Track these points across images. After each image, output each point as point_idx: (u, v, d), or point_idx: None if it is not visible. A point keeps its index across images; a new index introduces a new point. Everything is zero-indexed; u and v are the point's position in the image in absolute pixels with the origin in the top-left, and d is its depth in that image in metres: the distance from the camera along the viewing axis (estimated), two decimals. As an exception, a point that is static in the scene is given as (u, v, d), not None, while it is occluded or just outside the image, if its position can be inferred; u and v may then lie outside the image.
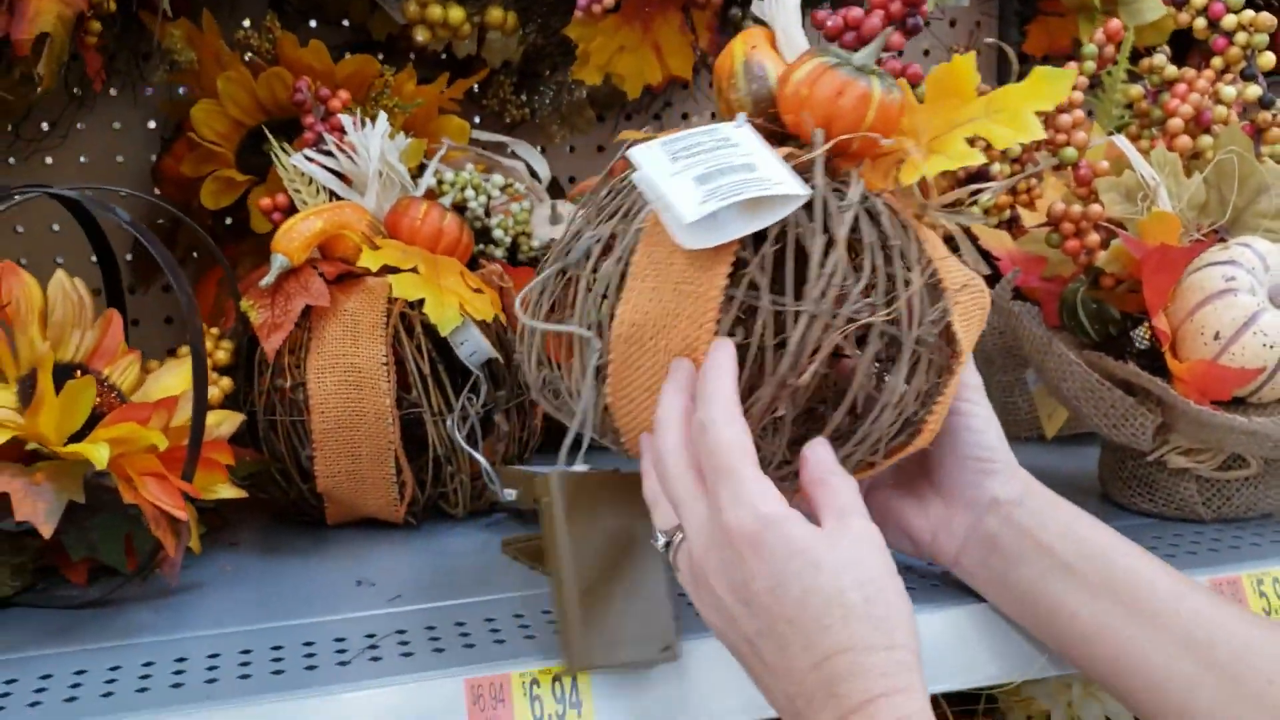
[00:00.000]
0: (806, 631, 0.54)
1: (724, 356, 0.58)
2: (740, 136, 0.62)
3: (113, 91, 1.21)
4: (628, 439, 0.64)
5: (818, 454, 0.59)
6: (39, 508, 0.64)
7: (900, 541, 0.72)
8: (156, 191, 1.19)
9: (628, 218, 0.63)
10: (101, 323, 0.78)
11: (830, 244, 0.59)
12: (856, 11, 0.68)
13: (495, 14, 1.06)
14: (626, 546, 0.65)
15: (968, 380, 0.68)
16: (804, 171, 0.61)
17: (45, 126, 1.19)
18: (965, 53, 1.11)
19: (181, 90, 1.19)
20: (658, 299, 0.60)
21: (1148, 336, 0.87)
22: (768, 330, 0.59)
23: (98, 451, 0.65)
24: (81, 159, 1.22)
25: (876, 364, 0.63)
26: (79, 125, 1.21)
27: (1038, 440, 1.10)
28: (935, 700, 0.95)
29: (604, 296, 0.62)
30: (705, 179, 0.58)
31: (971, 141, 0.64)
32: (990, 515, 0.68)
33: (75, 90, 1.18)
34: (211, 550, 0.84)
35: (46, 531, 0.64)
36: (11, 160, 1.19)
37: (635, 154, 0.61)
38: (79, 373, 0.74)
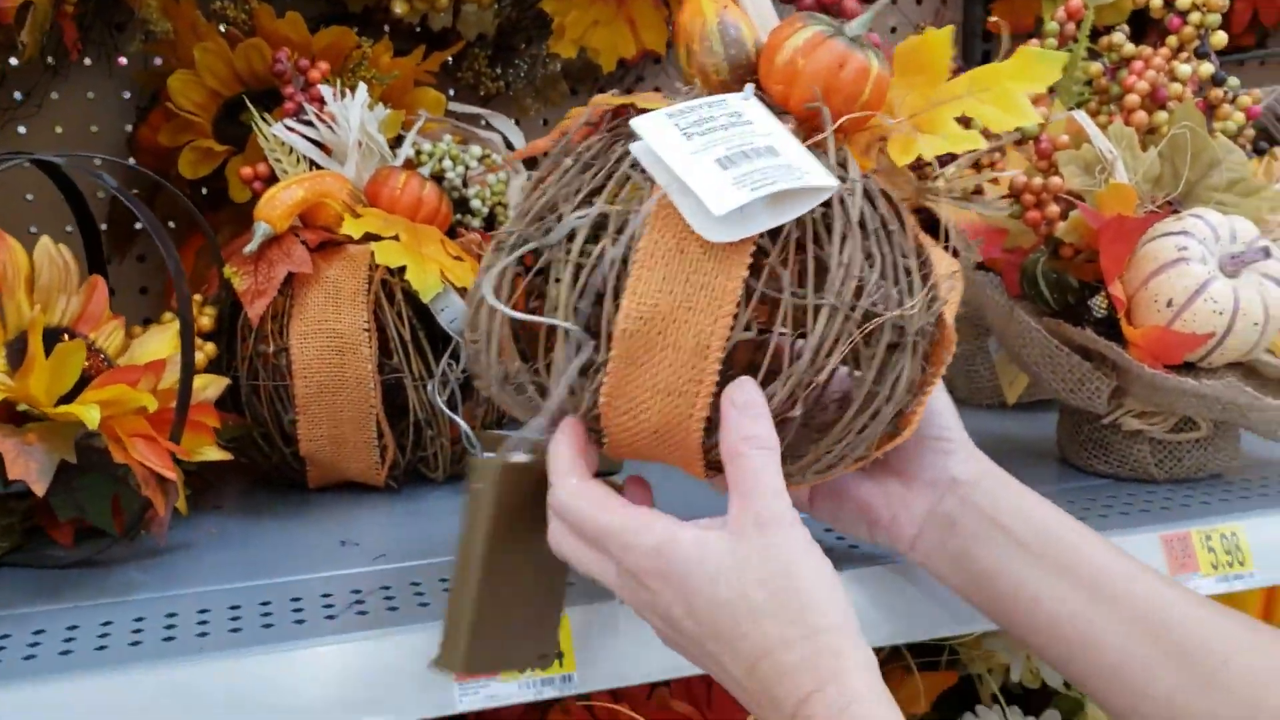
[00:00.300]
0: (728, 643, 0.54)
1: (560, 437, 0.59)
2: (752, 112, 0.59)
3: (87, 61, 1.21)
4: (613, 443, 0.60)
5: (734, 415, 0.56)
6: (31, 467, 0.66)
7: (857, 526, 0.70)
8: (132, 160, 1.19)
9: (623, 197, 0.58)
10: (86, 288, 0.79)
11: (847, 232, 0.57)
12: None
13: (470, -16, 1.08)
14: (539, 547, 0.61)
15: None
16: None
17: (18, 96, 1.20)
18: (927, 28, 1.14)
19: (157, 60, 1.20)
20: (668, 291, 0.55)
21: (1105, 305, 0.90)
22: (788, 325, 0.57)
23: (89, 412, 0.67)
24: (57, 129, 1.22)
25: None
26: (53, 95, 1.21)
27: (999, 407, 1.13)
28: (899, 652, 0.98)
29: (596, 288, 0.57)
30: (729, 163, 0.55)
31: (963, 122, 0.63)
32: (949, 495, 0.66)
33: (50, 60, 1.18)
34: (196, 513, 0.85)
35: (40, 490, 0.66)
36: (-16, 133, 1.19)
37: (643, 127, 0.56)
38: (66, 336, 0.75)
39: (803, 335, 0.57)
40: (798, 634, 0.52)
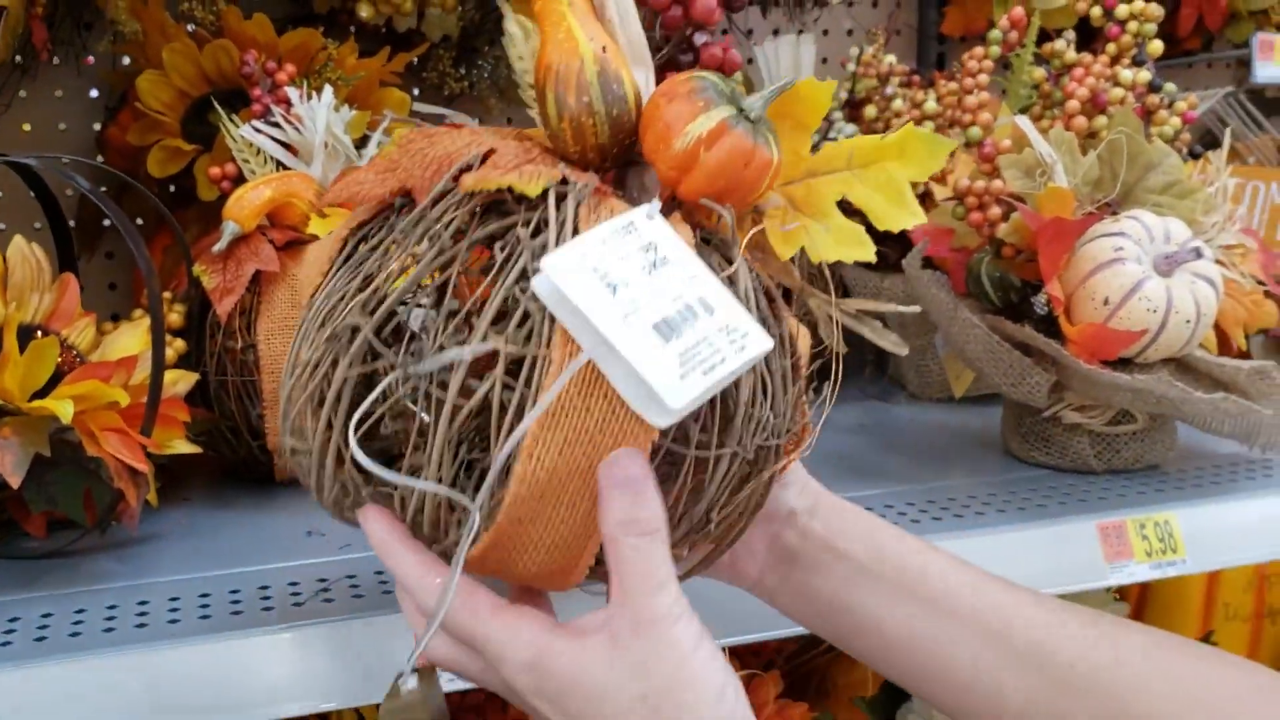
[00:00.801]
0: None
1: (380, 533, 0.53)
2: (663, 240, 0.51)
3: (55, 60, 1.23)
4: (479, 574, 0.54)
5: (613, 496, 0.49)
6: (6, 460, 0.68)
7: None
8: (100, 159, 1.21)
9: (511, 331, 0.49)
10: (58, 286, 0.81)
11: (752, 370, 0.53)
12: None
13: (436, -13, 1.10)
14: None
15: None
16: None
17: (-14, 94, 1.21)
18: (884, 33, 1.18)
19: (124, 60, 1.22)
20: (570, 454, 0.49)
21: (1047, 303, 0.93)
22: (690, 475, 0.53)
23: (63, 407, 0.69)
24: (25, 126, 1.23)
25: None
26: (22, 93, 1.23)
27: (948, 400, 1.17)
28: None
29: (473, 436, 0.52)
30: (669, 331, 0.49)
31: (844, 207, 0.59)
32: (787, 528, 0.64)
33: (18, 59, 1.20)
34: (165, 505, 0.87)
35: (15, 482, 0.68)
36: (-45, 132, 1.21)
37: (560, 277, 0.48)
38: (39, 333, 0.77)
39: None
40: None
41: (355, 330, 0.51)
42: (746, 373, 0.52)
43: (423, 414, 0.50)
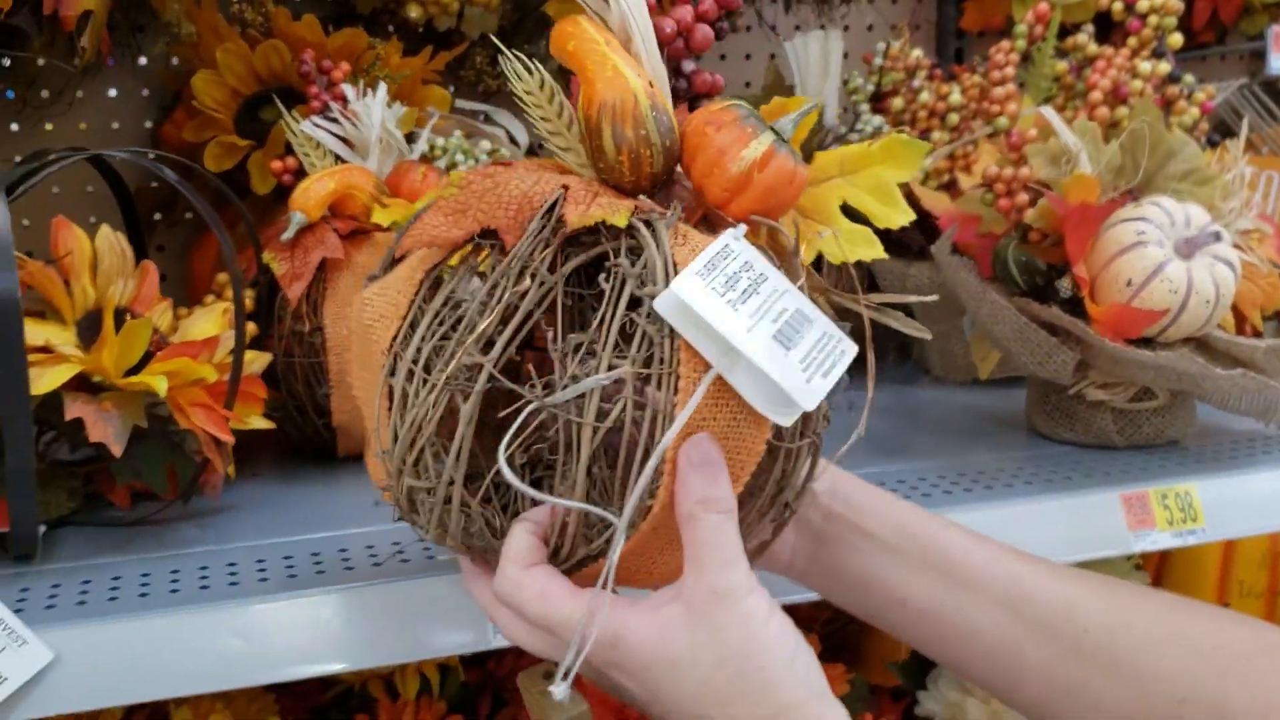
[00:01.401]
0: None
1: (518, 529, 0.56)
2: (753, 258, 0.55)
3: (110, 62, 1.28)
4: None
5: (691, 476, 0.52)
6: (109, 431, 0.73)
7: None
8: (152, 156, 1.26)
9: (634, 354, 0.53)
10: (139, 273, 0.86)
11: None
12: (685, 12, 0.62)
13: (484, -11, 1.15)
14: None
15: None
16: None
17: (45, 94, 1.26)
18: (905, 30, 1.23)
19: (174, 61, 1.27)
20: None
21: (1070, 286, 0.98)
22: (781, 466, 0.58)
23: (158, 382, 0.74)
24: (81, 125, 1.28)
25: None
26: (79, 93, 1.27)
27: (973, 383, 1.21)
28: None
29: (615, 455, 0.55)
30: (786, 341, 0.53)
31: (846, 211, 0.64)
32: (811, 509, 0.67)
33: (76, 60, 1.25)
34: (236, 480, 0.92)
35: (117, 451, 0.73)
36: (14, 127, 1.25)
37: (686, 293, 0.51)
38: (128, 316, 0.82)
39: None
40: (764, 714, 0.51)
41: (476, 369, 0.54)
42: None
43: (567, 445, 0.54)
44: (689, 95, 0.64)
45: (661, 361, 0.53)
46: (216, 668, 0.68)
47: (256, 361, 0.85)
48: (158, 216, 1.28)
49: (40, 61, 1.04)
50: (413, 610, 0.71)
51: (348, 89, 1.01)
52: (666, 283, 0.52)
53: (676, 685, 0.52)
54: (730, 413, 0.53)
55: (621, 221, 0.55)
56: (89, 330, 0.78)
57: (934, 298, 0.65)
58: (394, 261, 0.63)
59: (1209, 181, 0.95)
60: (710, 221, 0.60)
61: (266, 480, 0.95)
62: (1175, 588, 1.34)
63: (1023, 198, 0.94)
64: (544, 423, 0.57)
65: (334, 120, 1.00)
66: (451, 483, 0.56)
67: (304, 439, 0.97)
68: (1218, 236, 0.90)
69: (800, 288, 0.57)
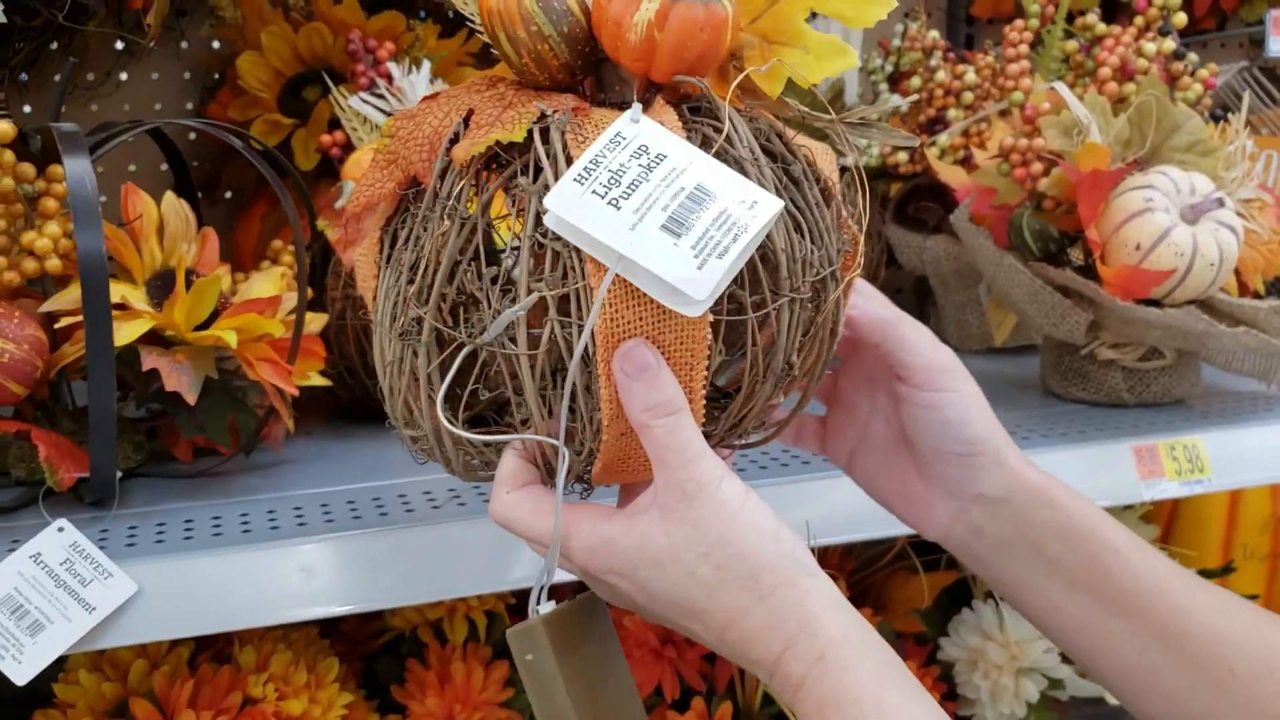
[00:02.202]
0: (694, 618, 0.54)
1: (508, 453, 0.57)
2: (653, 137, 0.53)
3: (152, 45, 1.32)
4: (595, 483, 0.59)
5: (630, 386, 0.52)
6: (183, 381, 0.78)
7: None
8: (192, 137, 1.31)
9: (547, 275, 0.52)
10: (201, 238, 0.91)
11: (780, 220, 0.54)
12: None
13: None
14: (616, 674, 0.61)
15: (939, 364, 0.65)
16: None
17: (90, 77, 1.31)
18: (922, 12, 1.27)
19: (215, 44, 1.31)
20: None
21: (1081, 254, 1.03)
22: (758, 335, 0.56)
23: (229, 335, 0.79)
24: (125, 106, 1.33)
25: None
26: (123, 76, 1.32)
27: (988, 351, 1.26)
28: (904, 552, 1.11)
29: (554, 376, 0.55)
30: (677, 227, 0.51)
31: (813, 18, 0.59)
32: (975, 507, 0.66)
33: (119, 44, 1.30)
34: (291, 438, 0.97)
35: (191, 399, 0.78)
36: (63, 109, 1.30)
37: (560, 207, 0.50)
38: (194, 277, 0.87)
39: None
40: (753, 598, 0.52)
41: (419, 322, 0.55)
42: (776, 222, 0.53)
43: (511, 376, 0.54)
44: None
45: (573, 275, 0.51)
46: (289, 600, 0.73)
47: (315, 321, 0.90)
48: (199, 195, 1.33)
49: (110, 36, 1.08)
50: (473, 546, 0.76)
51: (393, 67, 1.06)
52: None
53: (665, 583, 0.53)
54: (655, 309, 0.52)
55: (518, 136, 0.52)
56: (158, 290, 0.83)
57: (910, 139, 0.65)
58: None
59: (1212, 152, 0.99)
60: (666, 89, 0.58)
61: (320, 437, 0.99)
62: (1182, 546, 1.38)
63: (1037, 167, 0.99)
64: (489, 356, 0.56)
65: (380, 96, 1.05)
66: (435, 428, 0.57)
67: (353, 399, 1.02)
68: (1221, 203, 0.95)
69: (729, 142, 0.54)
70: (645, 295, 0.51)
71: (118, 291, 0.80)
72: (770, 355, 0.56)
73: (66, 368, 0.82)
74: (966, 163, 1.19)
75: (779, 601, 0.52)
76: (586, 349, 0.52)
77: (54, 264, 0.78)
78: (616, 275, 0.51)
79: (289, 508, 0.80)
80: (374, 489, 0.84)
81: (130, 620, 0.71)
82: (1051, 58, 1.15)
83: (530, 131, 0.53)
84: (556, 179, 0.51)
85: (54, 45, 1.14)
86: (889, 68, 1.26)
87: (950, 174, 1.13)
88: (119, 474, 0.80)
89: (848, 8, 0.58)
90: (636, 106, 0.53)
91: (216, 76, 1.30)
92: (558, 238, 0.51)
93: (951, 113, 1.20)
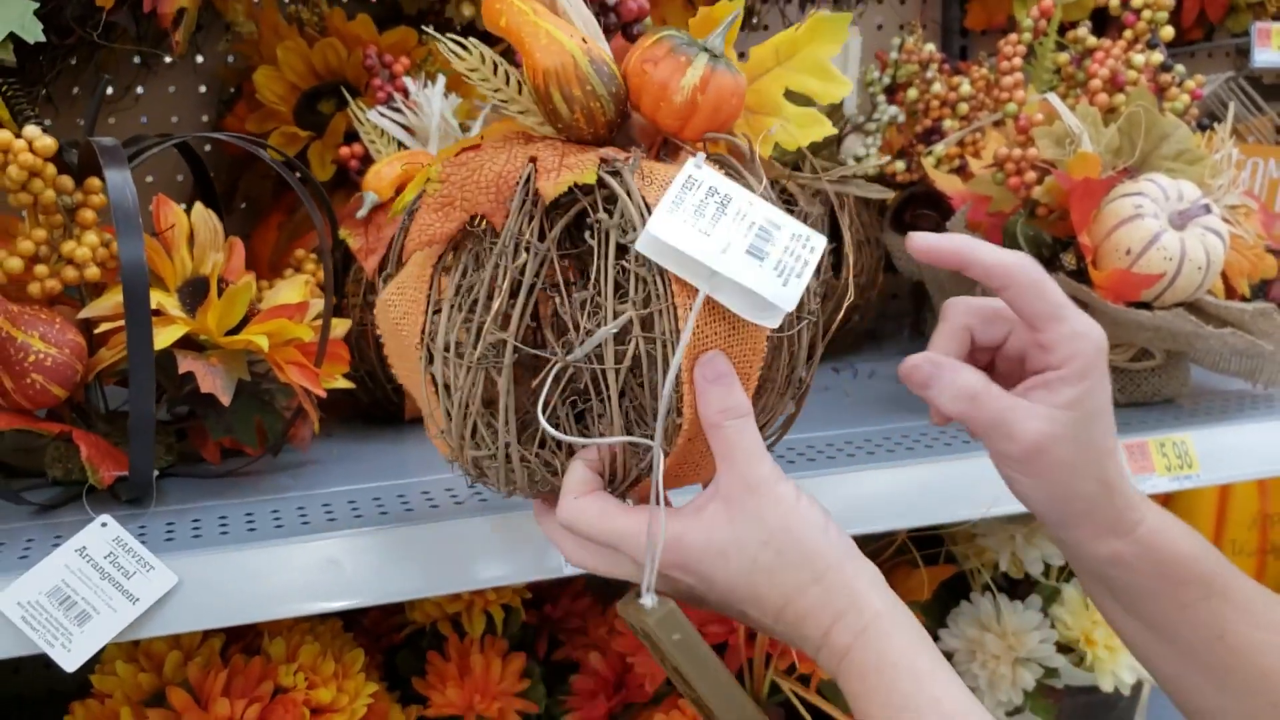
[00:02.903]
0: (752, 602, 0.59)
1: (576, 463, 0.62)
2: (718, 182, 0.61)
3: (168, 59, 1.36)
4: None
5: (709, 390, 0.60)
6: (218, 383, 0.81)
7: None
8: (207, 149, 1.35)
9: (634, 296, 0.60)
10: (228, 246, 0.94)
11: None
12: None
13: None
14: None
15: (1099, 368, 0.66)
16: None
17: (110, 91, 1.34)
18: (918, 26, 1.31)
19: (230, 58, 1.35)
20: None
21: (1073, 260, 1.06)
22: (787, 350, 0.65)
23: (261, 340, 0.82)
24: (142, 119, 1.36)
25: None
26: (139, 89, 1.36)
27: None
28: (904, 546, 1.15)
29: (644, 390, 0.61)
30: (758, 253, 0.59)
31: (790, 97, 0.68)
32: (1108, 540, 0.66)
33: (136, 59, 1.33)
34: (315, 440, 1.00)
35: (226, 400, 0.81)
36: (80, 121, 1.34)
37: (661, 231, 0.58)
38: (224, 284, 0.90)
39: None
40: (808, 578, 0.58)
41: (500, 345, 0.61)
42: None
43: (600, 395, 0.61)
44: (619, 25, 0.68)
45: (658, 297, 0.59)
46: (320, 591, 0.76)
47: (339, 327, 0.93)
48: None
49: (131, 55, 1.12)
50: (498, 538, 0.79)
51: (409, 81, 1.10)
52: (643, 225, 0.58)
53: (728, 569, 0.59)
54: (728, 325, 0.60)
55: (591, 179, 0.60)
56: (190, 297, 0.87)
57: (884, 192, 0.70)
58: (399, 260, 0.70)
59: (1199, 161, 1.03)
60: (670, 146, 0.66)
61: (343, 439, 1.03)
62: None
63: (1031, 175, 1.03)
64: (574, 372, 0.63)
65: (397, 110, 1.09)
66: (507, 445, 0.63)
67: (374, 402, 1.05)
68: (1208, 209, 0.99)
69: (764, 192, 0.63)
70: (720, 311, 0.60)
71: (154, 298, 0.83)
72: (789, 370, 0.65)
73: (102, 372, 0.86)
74: (962, 171, 1.23)
75: (831, 581, 0.58)
76: (675, 356, 0.59)
77: (93, 272, 0.82)
78: (704, 298, 0.58)
79: (318, 504, 0.84)
80: (399, 486, 0.88)
81: (171, 610, 0.74)
82: (1044, 69, 1.19)
83: (600, 175, 0.61)
84: (638, 214, 0.59)
85: (73, 60, 1.18)
86: (886, 80, 1.30)
87: (946, 182, 1.17)
88: (155, 473, 0.84)
89: (817, 86, 0.68)
90: (701, 155, 0.61)
91: (232, 90, 1.34)
92: (642, 263, 0.59)
93: (947, 123, 1.24)
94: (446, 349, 0.64)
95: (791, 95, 0.69)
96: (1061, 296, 0.62)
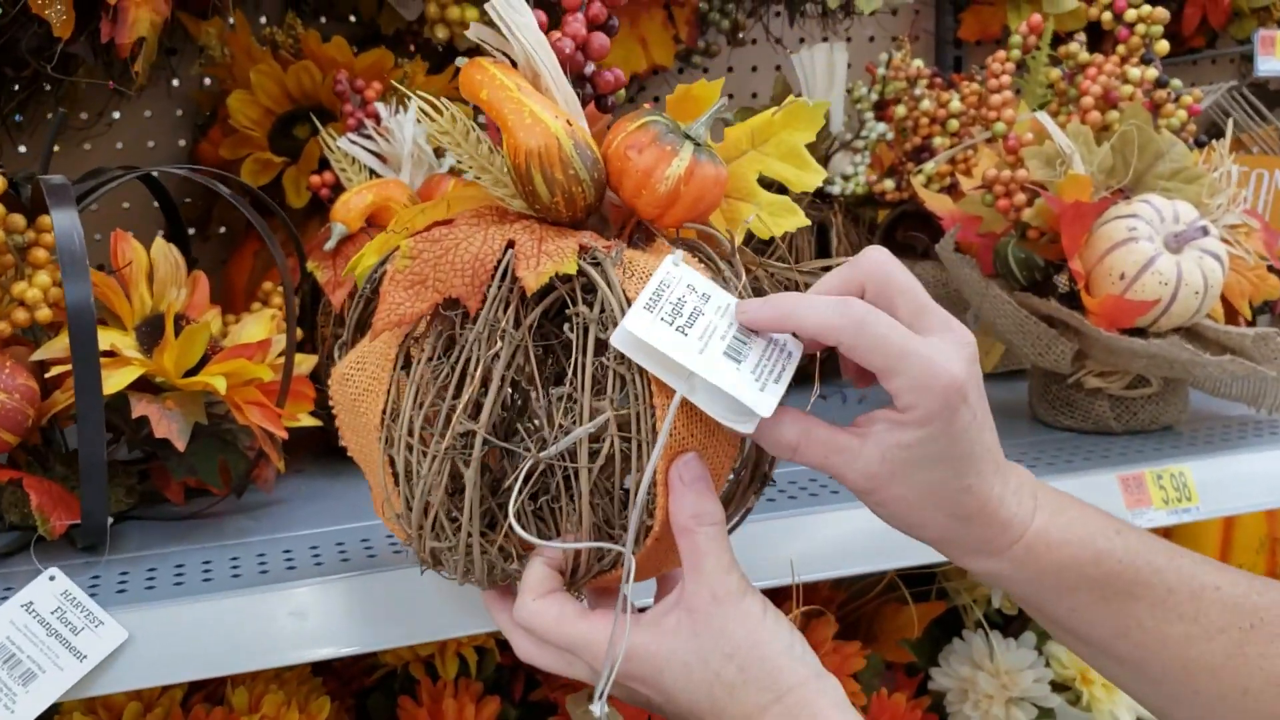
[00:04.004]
0: (714, 717, 0.57)
1: (535, 561, 0.61)
2: (695, 280, 0.59)
3: (139, 89, 1.33)
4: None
5: (684, 492, 0.58)
6: (173, 428, 0.79)
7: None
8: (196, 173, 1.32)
9: (611, 395, 0.57)
10: (191, 281, 0.91)
11: None
12: (578, 25, 0.63)
13: (504, 13, 1.20)
14: None
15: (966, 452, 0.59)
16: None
17: (84, 116, 1.32)
18: (906, 41, 1.28)
19: (206, 81, 1.33)
20: None
21: (1067, 281, 1.03)
22: (757, 448, 0.63)
23: (217, 381, 0.79)
24: (118, 145, 1.34)
25: None
26: (115, 114, 1.33)
27: (977, 377, 1.26)
28: (895, 585, 1.12)
29: (614, 492, 0.60)
30: (737, 355, 0.57)
31: (764, 183, 0.66)
32: (1017, 548, 0.62)
33: (115, 85, 1.31)
34: (282, 477, 0.97)
35: (181, 445, 0.78)
36: (55, 148, 1.31)
37: (638, 329, 0.55)
38: (185, 321, 0.87)
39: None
40: (771, 698, 0.56)
41: (470, 435, 0.58)
42: None
43: (570, 495, 0.59)
44: (594, 96, 0.65)
45: (636, 398, 0.57)
46: (279, 644, 0.73)
47: (304, 363, 0.91)
48: (191, 231, 1.34)
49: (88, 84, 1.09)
50: (449, 591, 0.76)
51: (380, 107, 1.07)
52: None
53: (690, 683, 0.57)
54: (705, 427, 0.58)
55: (572, 269, 0.58)
56: (148, 335, 0.84)
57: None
58: (357, 328, 0.67)
59: (1196, 179, 1.00)
60: (644, 230, 0.64)
61: (311, 476, 1.00)
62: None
63: (1020, 198, 1.00)
64: (545, 468, 0.60)
65: (368, 136, 1.06)
66: (470, 537, 0.60)
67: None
68: (1205, 231, 0.95)
69: (744, 290, 0.62)
70: (697, 413, 0.57)
71: (107, 339, 0.81)
72: (755, 466, 0.65)
73: (59, 414, 0.83)
74: (953, 190, 1.20)
75: (794, 700, 0.56)
76: (649, 458, 0.57)
77: (44, 314, 0.79)
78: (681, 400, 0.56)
79: (279, 551, 0.81)
80: (363, 529, 0.85)
81: (121, 667, 0.71)
82: (1037, 83, 1.16)
83: (580, 264, 0.58)
84: (619, 309, 0.57)
85: (47, 86, 1.16)
86: (874, 95, 1.27)
87: (936, 202, 1.14)
88: (110, 519, 0.81)
89: (790, 174, 0.66)
90: (679, 252, 0.60)
91: (209, 114, 1.31)
92: (621, 361, 0.57)
93: (937, 140, 1.21)
94: (410, 434, 0.60)
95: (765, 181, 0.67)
96: (901, 343, 0.56)
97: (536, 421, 0.61)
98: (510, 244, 0.60)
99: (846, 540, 0.86)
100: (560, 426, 0.58)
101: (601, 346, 0.58)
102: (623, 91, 0.95)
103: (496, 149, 0.62)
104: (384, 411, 0.62)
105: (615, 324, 0.56)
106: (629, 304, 0.57)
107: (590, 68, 0.64)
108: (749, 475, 0.65)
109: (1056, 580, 0.62)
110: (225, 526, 0.87)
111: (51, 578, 0.73)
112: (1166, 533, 1.38)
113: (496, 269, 0.59)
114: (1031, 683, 1.06)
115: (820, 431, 0.59)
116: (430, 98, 0.63)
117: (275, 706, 0.86)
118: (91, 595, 0.73)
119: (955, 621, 1.13)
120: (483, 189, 0.63)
